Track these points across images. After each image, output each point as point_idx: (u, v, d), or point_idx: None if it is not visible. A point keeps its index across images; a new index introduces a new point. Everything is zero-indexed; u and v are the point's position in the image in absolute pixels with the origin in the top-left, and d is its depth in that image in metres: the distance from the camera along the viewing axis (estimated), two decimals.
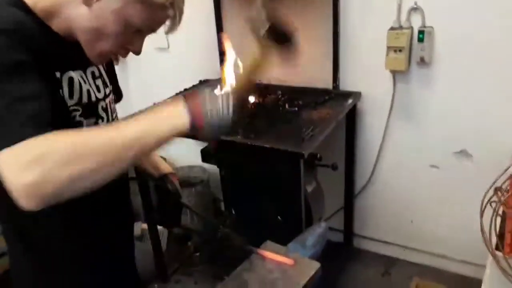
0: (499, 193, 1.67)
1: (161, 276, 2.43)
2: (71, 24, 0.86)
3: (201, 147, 2.09)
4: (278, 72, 2.37)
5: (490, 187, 1.67)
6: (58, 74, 0.87)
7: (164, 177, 1.27)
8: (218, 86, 0.87)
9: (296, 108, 2.03)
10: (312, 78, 2.27)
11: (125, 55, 0.94)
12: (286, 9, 2.20)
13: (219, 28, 2.40)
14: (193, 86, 2.43)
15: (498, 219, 1.65)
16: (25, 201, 0.67)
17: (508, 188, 1.65)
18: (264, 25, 0.98)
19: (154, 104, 2.16)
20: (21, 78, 0.74)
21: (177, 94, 2.32)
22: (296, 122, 1.91)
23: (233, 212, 2.39)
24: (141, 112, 0.80)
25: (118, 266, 1.15)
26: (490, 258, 1.61)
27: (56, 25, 0.87)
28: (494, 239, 1.60)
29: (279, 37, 1.03)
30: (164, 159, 2.88)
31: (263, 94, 2.20)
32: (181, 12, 0.90)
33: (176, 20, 0.90)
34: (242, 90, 0.91)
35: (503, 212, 1.66)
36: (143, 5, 0.84)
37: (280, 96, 2.20)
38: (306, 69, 2.28)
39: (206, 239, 2.54)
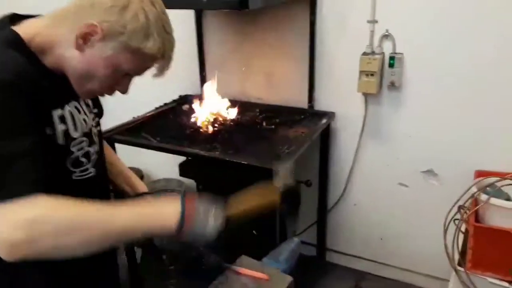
0: (462, 211, 1.77)
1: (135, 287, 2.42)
2: (62, 62, 0.89)
3: (179, 161, 2.12)
4: (257, 91, 2.44)
5: (454, 206, 1.77)
6: (58, 112, 0.90)
7: (139, 196, 1.27)
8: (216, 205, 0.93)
9: (273, 126, 2.10)
10: (288, 97, 2.34)
11: (111, 93, 0.98)
12: (265, 30, 2.29)
13: (200, 44, 2.46)
14: (173, 101, 2.47)
15: (461, 236, 1.75)
16: (4, 254, 0.74)
17: (470, 206, 1.75)
18: (288, 184, 1.08)
19: (133, 118, 2.19)
20: (20, 134, 0.78)
21: (157, 108, 2.36)
22: (273, 140, 1.96)
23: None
24: (142, 196, 0.89)
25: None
26: (453, 273, 1.70)
27: (49, 60, 0.90)
28: (457, 255, 1.69)
29: (291, 196, 1.11)
30: (141, 171, 2.90)
31: (242, 111, 2.26)
32: (170, 61, 0.95)
33: (165, 68, 0.95)
34: (236, 219, 0.97)
35: (466, 229, 1.76)
36: (134, 55, 0.89)
37: (258, 114, 2.27)
38: (283, 88, 2.36)
39: (180, 258, 2.54)
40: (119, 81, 0.94)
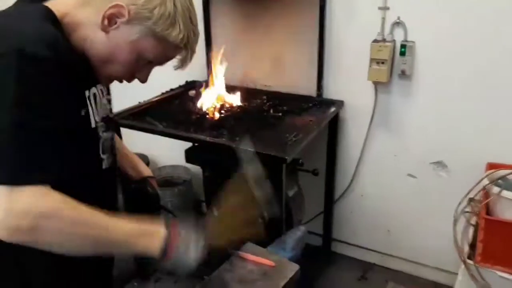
0: (472, 204, 1.74)
1: (141, 274, 2.42)
2: (86, 44, 0.88)
3: (185, 147, 2.11)
4: (264, 78, 2.41)
5: (464, 198, 1.75)
6: (86, 93, 0.90)
7: (143, 180, 1.27)
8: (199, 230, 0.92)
9: (281, 114, 2.07)
10: (296, 85, 2.31)
11: (130, 80, 0.97)
12: (273, 15, 2.25)
13: (207, 30, 2.42)
14: (180, 86, 2.45)
15: (471, 229, 1.73)
16: (5, 235, 0.74)
17: (481, 199, 1.72)
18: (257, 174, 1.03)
19: (139, 103, 2.17)
20: (52, 114, 0.78)
21: (163, 93, 2.33)
22: (280, 127, 1.94)
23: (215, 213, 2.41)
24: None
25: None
26: (462, 266, 1.67)
27: (74, 41, 0.88)
28: (466, 248, 1.66)
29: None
30: (146, 157, 2.89)
31: (249, 98, 2.23)
32: (193, 53, 0.94)
33: (187, 60, 0.94)
34: (219, 246, 0.97)
35: (476, 222, 1.73)
36: (159, 42, 0.88)
37: (265, 101, 2.24)
38: (291, 75, 2.32)
39: None
40: (140, 68, 0.93)
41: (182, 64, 0.95)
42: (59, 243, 0.79)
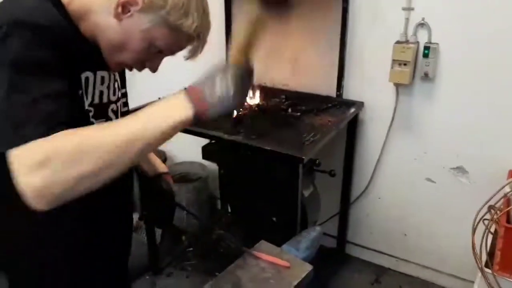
0: (492, 211, 1.70)
1: (154, 268, 2.45)
2: (97, 30, 0.88)
3: (202, 144, 2.11)
4: (283, 77, 2.40)
5: (484, 205, 1.70)
6: (85, 75, 0.89)
7: (159, 176, 1.26)
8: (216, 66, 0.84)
9: (299, 113, 2.06)
10: (316, 84, 2.29)
11: (141, 69, 0.96)
12: (294, 14, 2.24)
13: (228, 26, 2.42)
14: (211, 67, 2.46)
15: (490, 237, 1.69)
16: (34, 202, 0.69)
17: (502, 207, 1.68)
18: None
19: (159, 99, 2.19)
20: (42, 76, 0.76)
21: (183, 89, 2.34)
22: (297, 127, 1.93)
23: (229, 210, 2.42)
24: (144, 107, 0.79)
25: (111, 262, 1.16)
26: (479, 274, 1.64)
27: (84, 27, 0.88)
28: (484, 256, 1.63)
29: None
30: (164, 153, 2.92)
31: (267, 97, 2.22)
32: (204, 43, 0.93)
33: (198, 50, 0.93)
34: (242, 59, 0.88)
35: (495, 230, 1.69)
36: (171, 31, 0.87)
37: (283, 100, 2.23)
38: (310, 75, 2.31)
39: (200, 240, 2.56)
40: (151, 57, 0.93)
41: (193, 54, 0.94)
42: (83, 173, 0.71)
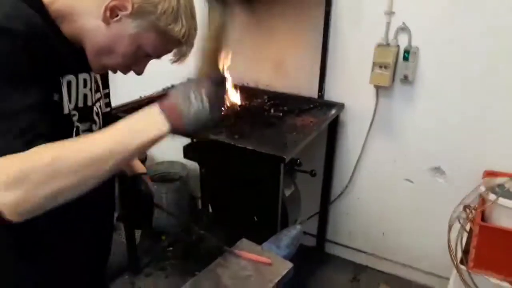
0: (467, 210, 1.75)
1: (133, 268, 2.42)
2: (83, 33, 0.86)
3: (183, 143, 2.11)
4: (266, 78, 2.41)
5: (459, 204, 1.75)
6: (67, 79, 0.87)
7: (137, 177, 1.25)
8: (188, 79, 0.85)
9: (281, 114, 2.07)
10: (298, 85, 2.31)
11: (126, 72, 0.95)
12: (277, 15, 2.25)
13: None
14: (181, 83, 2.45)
15: (465, 235, 1.73)
16: (7, 216, 0.69)
17: (477, 206, 1.73)
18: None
19: (140, 97, 2.18)
20: (19, 86, 0.74)
21: (164, 89, 2.33)
22: (279, 127, 1.94)
23: (210, 209, 2.41)
24: (120, 120, 0.78)
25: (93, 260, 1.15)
26: (455, 271, 1.69)
27: (66, 28, 0.86)
28: (459, 254, 1.67)
29: None
30: (145, 152, 2.89)
31: (249, 97, 2.23)
32: (192, 47, 0.93)
33: (186, 54, 0.93)
34: (210, 70, 0.89)
35: (470, 228, 1.74)
36: (160, 36, 0.87)
37: (266, 101, 2.24)
38: (293, 77, 2.33)
39: (180, 240, 2.53)
40: (137, 60, 0.92)
41: (181, 58, 0.94)
42: (59, 187, 0.71)
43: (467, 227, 1.74)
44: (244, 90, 2.24)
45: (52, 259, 0.98)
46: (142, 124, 0.78)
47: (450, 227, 1.73)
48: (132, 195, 1.25)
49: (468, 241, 1.71)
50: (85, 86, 0.94)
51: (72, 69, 0.89)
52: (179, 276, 2.39)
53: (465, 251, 1.68)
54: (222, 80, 0.90)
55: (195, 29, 0.92)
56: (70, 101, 0.89)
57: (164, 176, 2.84)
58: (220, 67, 0.92)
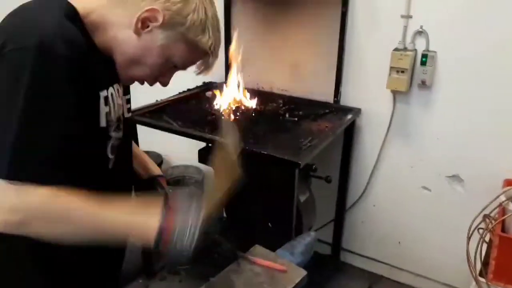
0: (487, 220, 1.70)
1: (147, 272, 2.43)
2: (114, 44, 0.88)
3: (199, 147, 2.11)
4: (281, 82, 2.40)
5: (479, 214, 1.71)
6: (104, 93, 0.89)
7: (153, 179, 1.26)
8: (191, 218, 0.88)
9: (296, 118, 2.06)
10: (314, 90, 2.30)
11: (153, 83, 0.97)
12: (293, 20, 2.25)
13: (227, 32, 2.43)
14: (197, 87, 2.46)
15: (485, 246, 1.68)
16: (4, 231, 0.76)
17: (497, 216, 1.68)
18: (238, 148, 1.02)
19: (156, 101, 2.19)
20: (57, 111, 0.78)
21: (180, 93, 2.34)
22: (294, 132, 1.93)
23: (224, 214, 2.41)
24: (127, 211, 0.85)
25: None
26: (473, 283, 1.63)
27: (98, 39, 0.88)
28: (478, 265, 1.63)
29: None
30: (160, 156, 2.91)
31: (264, 101, 2.22)
32: (216, 58, 0.96)
33: (211, 65, 0.96)
34: (213, 212, 0.94)
35: (490, 239, 1.69)
36: (188, 47, 0.90)
37: (281, 105, 2.23)
38: (308, 81, 2.31)
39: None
40: (164, 72, 0.94)
41: (206, 69, 0.97)
42: (48, 236, 0.80)
43: (487, 238, 1.70)
44: (259, 94, 2.23)
45: (67, 263, 0.99)
46: (137, 231, 0.85)
47: (469, 238, 1.68)
48: (147, 197, 1.26)
49: (487, 252, 1.66)
50: (118, 95, 0.97)
51: (106, 81, 0.92)
52: (193, 280, 2.38)
53: (485, 263, 1.63)
54: (215, 230, 0.98)
55: (220, 41, 0.95)
56: (111, 113, 0.92)
57: (179, 180, 2.84)
58: (219, 213, 0.97)
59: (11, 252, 0.92)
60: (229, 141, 1.01)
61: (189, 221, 0.86)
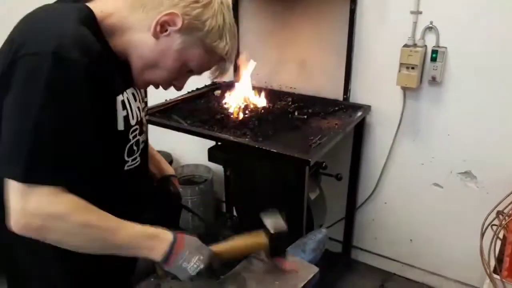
0: (500, 216, 1.68)
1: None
2: (131, 47, 0.89)
3: (208, 146, 2.11)
4: (290, 80, 2.39)
5: (492, 210, 1.69)
6: (121, 97, 0.90)
7: (166, 179, 1.28)
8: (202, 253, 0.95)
9: (305, 116, 2.05)
10: (323, 88, 2.29)
11: (167, 87, 0.98)
12: (300, 16, 2.24)
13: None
14: (206, 86, 2.46)
15: (498, 243, 1.66)
16: (15, 228, 0.78)
17: (510, 212, 1.66)
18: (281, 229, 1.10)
19: (166, 101, 2.20)
20: (78, 119, 0.79)
21: (189, 92, 2.35)
22: (304, 130, 1.92)
23: (235, 213, 2.41)
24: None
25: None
26: (487, 281, 1.62)
27: (114, 42, 0.88)
28: (492, 262, 1.61)
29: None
30: (170, 155, 2.92)
31: (273, 99, 2.22)
32: (231, 64, 0.98)
33: (226, 70, 0.97)
34: (221, 260, 1.00)
35: (504, 236, 1.67)
36: (205, 52, 0.90)
37: (290, 103, 2.22)
38: (318, 78, 2.30)
39: (205, 242, 2.54)
40: (179, 76, 0.95)
41: (221, 74, 0.98)
42: (66, 242, 0.83)
43: (500, 235, 1.67)
44: (267, 92, 2.23)
45: (84, 261, 1.00)
46: (150, 242, 0.89)
47: (482, 234, 1.66)
48: (161, 196, 1.28)
49: (501, 249, 1.64)
50: (135, 99, 0.96)
51: (123, 86, 0.92)
52: (205, 278, 2.38)
53: (499, 260, 1.61)
54: (218, 272, 1.03)
55: (235, 47, 0.97)
56: (133, 117, 0.93)
57: (189, 179, 2.85)
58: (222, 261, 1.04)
59: (37, 254, 0.95)
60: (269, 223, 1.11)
61: (198, 251, 0.93)
